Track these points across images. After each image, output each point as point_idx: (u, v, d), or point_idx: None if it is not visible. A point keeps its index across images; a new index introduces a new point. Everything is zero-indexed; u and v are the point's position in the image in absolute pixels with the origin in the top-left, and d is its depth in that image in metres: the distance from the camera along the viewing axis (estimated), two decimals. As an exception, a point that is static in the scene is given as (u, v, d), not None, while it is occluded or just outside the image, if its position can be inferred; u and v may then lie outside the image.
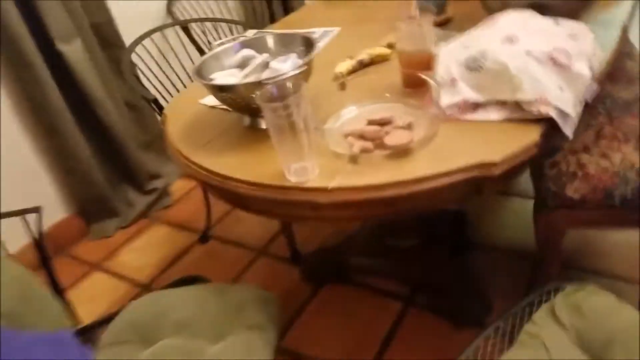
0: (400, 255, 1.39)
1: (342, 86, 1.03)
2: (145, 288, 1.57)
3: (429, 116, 0.84)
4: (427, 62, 0.92)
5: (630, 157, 0.99)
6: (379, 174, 0.75)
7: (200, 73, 0.93)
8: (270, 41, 1.04)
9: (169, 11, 2.01)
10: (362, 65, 1.09)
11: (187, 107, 1.10)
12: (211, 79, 0.94)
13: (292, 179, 0.77)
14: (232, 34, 1.83)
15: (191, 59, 1.69)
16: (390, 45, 1.15)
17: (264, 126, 0.94)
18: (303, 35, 1.01)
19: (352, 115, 0.92)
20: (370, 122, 0.83)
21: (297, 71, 0.85)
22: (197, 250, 1.68)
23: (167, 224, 1.85)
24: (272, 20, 2.25)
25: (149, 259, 1.69)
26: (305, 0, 2.28)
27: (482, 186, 0.74)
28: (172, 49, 1.67)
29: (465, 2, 1.26)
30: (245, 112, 0.94)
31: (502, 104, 0.81)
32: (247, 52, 1.01)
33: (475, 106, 0.83)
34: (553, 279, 1.17)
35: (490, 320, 1.22)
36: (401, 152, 0.77)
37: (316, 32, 1.35)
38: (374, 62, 1.10)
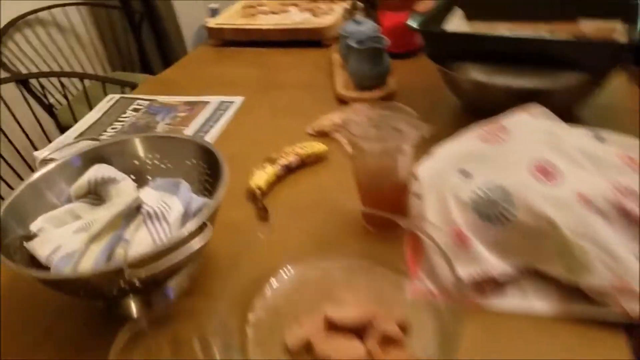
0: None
1: (264, 215, 0.65)
2: None
3: (427, 300, 0.50)
4: (400, 192, 0.58)
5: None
6: None
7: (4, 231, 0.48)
8: (139, 147, 0.63)
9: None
10: (289, 172, 0.73)
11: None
12: (24, 243, 0.50)
13: None
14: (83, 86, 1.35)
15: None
16: (321, 133, 0.80)
17: (134, 312, 0.52)
18: (197, 142, 0.61)
19: (290, 286, 0.54)
20: (334, 325, 0.47)
21: (202, 241, 0.45)
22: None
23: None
24: (146, 67, 1.76)
25: None
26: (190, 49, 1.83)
27: None
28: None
29: (407, 69, 0.96)
30: (100, 299, 0.52)
31: (542, 277, 0.50)
32: (99, 172, 0.58)
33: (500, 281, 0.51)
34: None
35: None
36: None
37: (210, 102, 0.95)
38: (305, 163, 0.74)
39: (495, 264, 0.50)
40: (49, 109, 1.50)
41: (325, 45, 1.13)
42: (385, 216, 0.55)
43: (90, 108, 1.42)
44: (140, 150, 0.62)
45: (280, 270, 0.55)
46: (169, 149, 0.62)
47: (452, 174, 0.56)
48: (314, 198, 0.68)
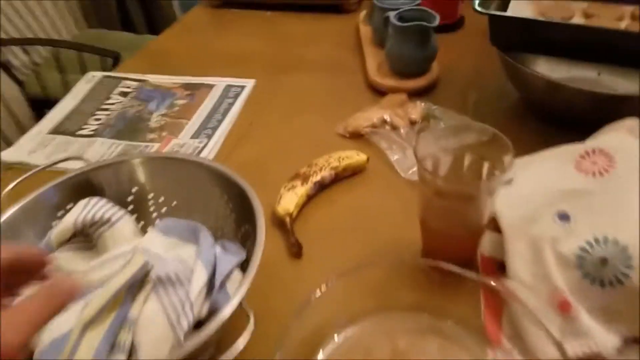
0: None
1: (297, 252, 0.53)
2: None
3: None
4: (477, 237, 0.46)
5: None
6: None
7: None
8: (139, 171, 0.49)
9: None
10: (321, 189, 0.60)
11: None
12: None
13: None
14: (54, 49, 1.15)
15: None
16: (355, 134, 0.67)
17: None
18: (217, 169, 0.47)
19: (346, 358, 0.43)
20: None
21: (245, 339, 0.34)
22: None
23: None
24: (127, 24, 1.52)
25: None
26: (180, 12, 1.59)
27: None
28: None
29: (448, 47, 0.81)
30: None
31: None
32: (88, 210, 0.45)
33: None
34: None
35: None
36: None
37: (215, 85, 0.80)
38: (339, 176, 0.61)
39: (603, 337, 0.40)
40: (13, 74, 1.31)
41: (346, 11, 0.96)
42: (457, 272, 0.44)
43: (62, 75, 1.24)
44: (141, 176, 0.49)
45: (329, 337, 0.44)
46: (178, 173, 0.48)
47: (548, 216, 0.44)
48: (354, 224, 0.56)
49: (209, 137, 0.69)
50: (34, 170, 0.48)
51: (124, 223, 0.45)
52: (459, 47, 0.82)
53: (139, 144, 0.68)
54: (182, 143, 0.68)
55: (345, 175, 0.61)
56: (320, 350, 0.43)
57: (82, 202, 0.45)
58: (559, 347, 0.38)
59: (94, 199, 0.45)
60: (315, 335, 0.43)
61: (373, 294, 0.47)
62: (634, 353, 0.42)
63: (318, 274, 0.52)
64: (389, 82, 0.73)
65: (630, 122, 0.51)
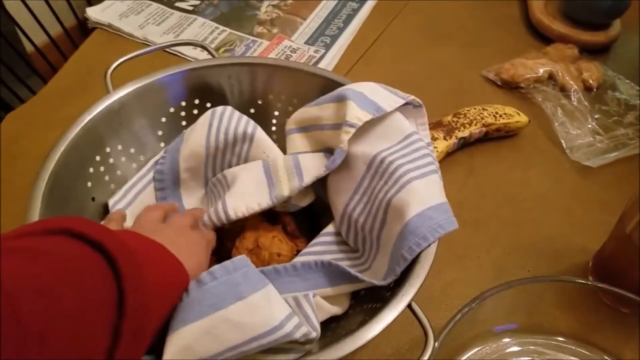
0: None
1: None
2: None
3: None
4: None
5: None
6: None
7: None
8: (270, 82, 0.37)
9: None
10: (463, 145, 0.48)
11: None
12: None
13: None
14: None
15: None
16: (509, 83, 0.53)
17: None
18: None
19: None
20: None
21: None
22: None
23: None
24: None
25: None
26: None
27: None
28: None
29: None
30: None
31: None
32: (226, 121, 0.34)
33: None
34: None
35: None
36: None
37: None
38: (487, 135, 0.49)
39: None
40: None
41: None
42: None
43: None
44: (269, 86, 0.37)
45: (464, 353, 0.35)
46: (311, 92, 0.37)
47: None
48: (499, 205, 0.44)
49: (327, 47, 0.56)
50: (149, 49, 0.37)
51: (260, 132, 0.35)
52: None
53: (245, 36, 0.56)
54: (295, 47, 0.56)
55: (494, 136, 0.49)
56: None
57: (205, 116, 0.34)
58: None
59: (219, 109, 0.34)
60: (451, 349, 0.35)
61: (520, 310, 0.37)
62: None
63: (449, 259, 0.42)
64: (558, 26, 0.57)
65: None
